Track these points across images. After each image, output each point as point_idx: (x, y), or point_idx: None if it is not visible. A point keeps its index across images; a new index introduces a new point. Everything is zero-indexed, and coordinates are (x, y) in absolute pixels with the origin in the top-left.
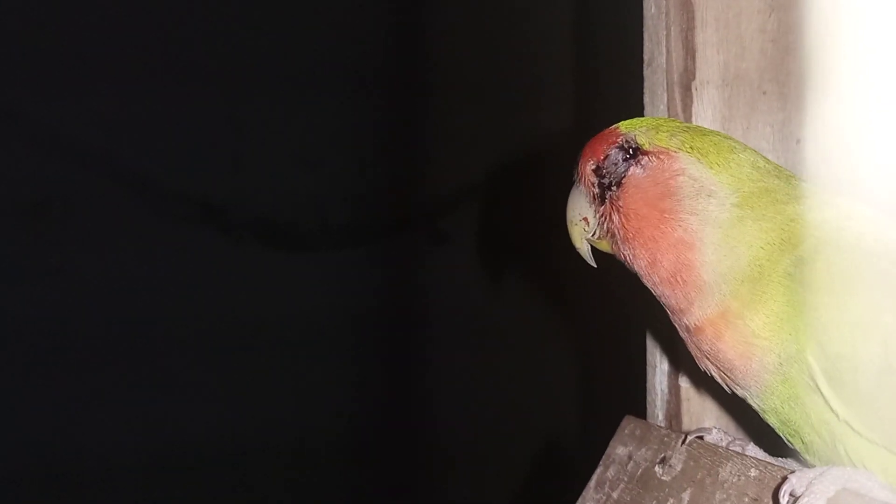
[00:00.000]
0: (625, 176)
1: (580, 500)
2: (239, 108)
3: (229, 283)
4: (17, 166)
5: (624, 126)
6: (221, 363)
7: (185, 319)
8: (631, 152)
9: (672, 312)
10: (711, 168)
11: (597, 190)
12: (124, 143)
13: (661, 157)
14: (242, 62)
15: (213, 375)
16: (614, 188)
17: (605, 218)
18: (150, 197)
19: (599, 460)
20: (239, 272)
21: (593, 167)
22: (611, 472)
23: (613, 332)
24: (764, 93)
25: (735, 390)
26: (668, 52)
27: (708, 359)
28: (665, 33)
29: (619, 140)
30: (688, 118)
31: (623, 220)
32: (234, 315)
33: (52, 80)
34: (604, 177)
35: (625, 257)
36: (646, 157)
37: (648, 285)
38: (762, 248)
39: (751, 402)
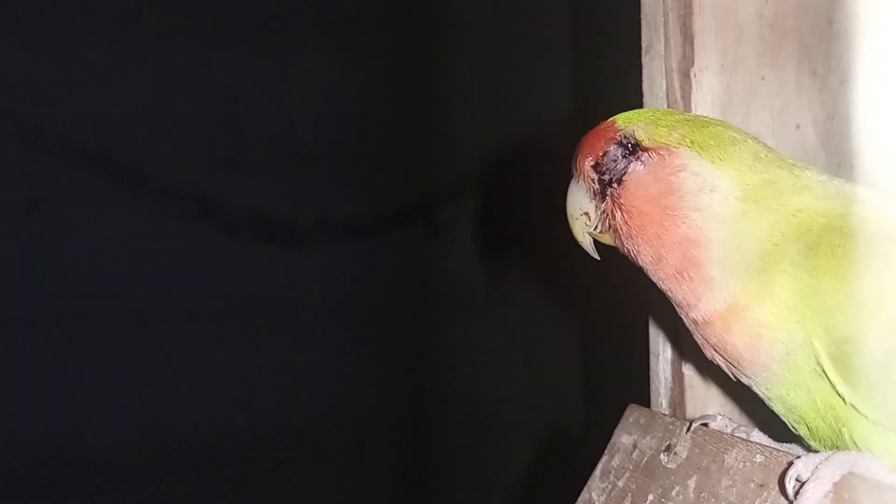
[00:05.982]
0: (625, 173)
1: (585, 488)
2: (234, 102)
3: (227, 280)
4: (11, 164)
5: (621, 120)
6: (220, 359)
7: (183, 316)
8: (630, 148)
9: (678, 306)
10: (713, 162)
11: (597, 186)
12: (118, 139)
13: (661, 152)
14: (237, 56)
15: (211, 372)
16: (615, 185)
17: (607, 214)
18: (145, 193)
19: (604, 449)
20: (236, 268)
21: (592, 163)
22: (616, 461)
23: (616, 320)
24: (763, 78)
25: (741, 379)
26: (666, 38)
27: (715, 350)
28: (663, 20)
29: (617, 135)
30: (687, 105)
31: (625, 217)
32: (232, 311)
33: (45, 77)
34: (603, 173)
35: (629, 252)
36: (646, 154)
37: (654, 280)
38: (769, 240)
39: (756, 390)
